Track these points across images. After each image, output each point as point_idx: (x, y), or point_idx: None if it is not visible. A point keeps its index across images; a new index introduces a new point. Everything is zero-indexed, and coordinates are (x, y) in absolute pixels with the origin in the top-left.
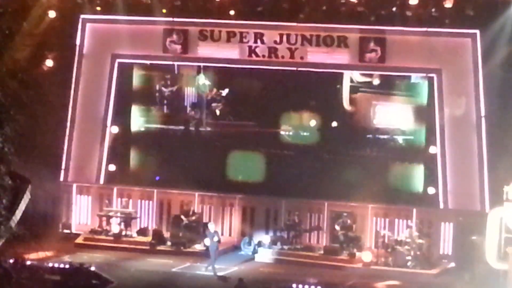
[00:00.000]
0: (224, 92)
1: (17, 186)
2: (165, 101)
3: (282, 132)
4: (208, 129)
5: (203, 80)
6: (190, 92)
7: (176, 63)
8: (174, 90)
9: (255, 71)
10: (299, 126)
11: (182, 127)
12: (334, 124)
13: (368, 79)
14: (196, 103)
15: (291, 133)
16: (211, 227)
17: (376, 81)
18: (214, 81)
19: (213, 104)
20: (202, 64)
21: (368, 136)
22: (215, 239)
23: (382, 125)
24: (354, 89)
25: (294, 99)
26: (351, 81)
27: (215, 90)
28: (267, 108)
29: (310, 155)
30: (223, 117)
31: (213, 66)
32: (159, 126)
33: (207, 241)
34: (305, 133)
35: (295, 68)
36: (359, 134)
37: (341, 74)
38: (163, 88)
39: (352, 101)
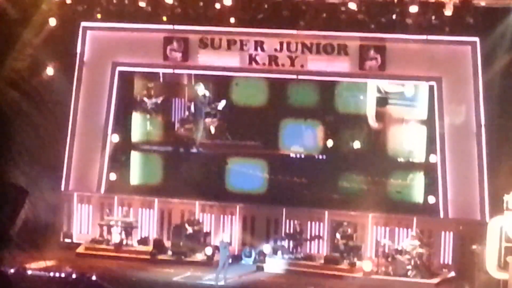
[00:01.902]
0: (220, 105)
1: (16, 195)
2: (148, 116)
3: (291, 155)
4: (201, 150)
5: (202, 90)
6: (178, 105)
7: (164, 70)
8: (158, 102)
9: (256, 81)
10: (312, 147)
11: (169, 148)
12: (357, 145)
13: (400, 89)
14: (186, 118)
15: (303, 156)
16: (226, 237)
17: (410, 91)
18: (209, 92)
19: (207, 120)
20: (193, 72)
21: (399, 160)
22: (226, 249)
23: (417, 146)
24: (382, 102)
25: (306, 114)
26: (378, 91)
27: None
28: (272, 125)
29: (327, 184)
30: (219, 136)
31: (207, 76)
32: (140, 146)
33: (208, 251)
34: (320, 156)
35: (295, 76)
36: (388, 157)
37: (364, 83)
38: (145, 99)
39: (379, 116)
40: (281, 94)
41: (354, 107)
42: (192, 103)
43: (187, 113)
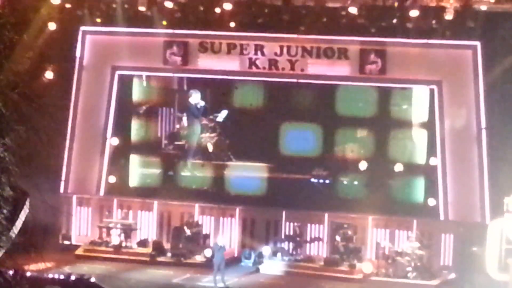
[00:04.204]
0: (221, 116)
1: (17, 197)
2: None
3: (313, 180)
4: (196, 174)
5: (197, 98)
6: (166, 115)
7: (164, 74)
8: (141, 112)
9: (263, 87)
10: (340, 170)
11: (156, 171)
12: (399, 167)
13: None
14: (176, 133)
15: (327, 181)
16: (220, 240)
17: None
18: (206, 101)
19: (204, 135)
20: (185, 75)
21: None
22: (221, 252)
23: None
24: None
25: (331, 127)
26: None
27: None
28: (288, 143)
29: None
30: (218, 155)
31: (203, 80)
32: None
33: (207, 252)
34: (350, 182)
35: (295, 80)
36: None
37: (409, 89)
38: None
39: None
40: (298, 101)
41: (400, 118)
42: (185, 114)
43: (177, 126)
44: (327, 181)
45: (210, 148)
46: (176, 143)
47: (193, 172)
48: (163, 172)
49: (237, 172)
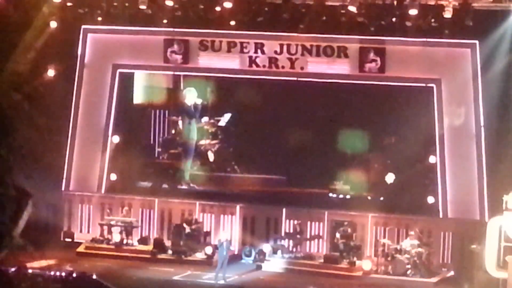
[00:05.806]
0: (223, 119)
1: (20, 197)
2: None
3: (331, 195)
4: (195, 187)
5: (193, 96)
6: (160, 119)
7: (165, 73)
8: (139, 113)
9: (273, 87)
10: (362, 183)
11: (148, 184)
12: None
13: None
14: (171, 139)
15: (348, 196)
16: (224, 237)
17: None
18: (206, 102)
19: (203, 142)
20: (182, 73)
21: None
22: (223, 248)
23: None
24: None
25: (354, 134)
26: None
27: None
28: (301, 151)
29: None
30: (221, 166)
31: (202, 78)
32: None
33: (208, 250)
34: (374, 197)
35: (295, 78)
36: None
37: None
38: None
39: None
40: (312, 104)
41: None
42: (180, 117)
43: (173, 131)
44: (348, 197)
45: (211, 157)
46: (172, 151)
47: (189, 185)
48: (156, 183)
49: (243, 186)
